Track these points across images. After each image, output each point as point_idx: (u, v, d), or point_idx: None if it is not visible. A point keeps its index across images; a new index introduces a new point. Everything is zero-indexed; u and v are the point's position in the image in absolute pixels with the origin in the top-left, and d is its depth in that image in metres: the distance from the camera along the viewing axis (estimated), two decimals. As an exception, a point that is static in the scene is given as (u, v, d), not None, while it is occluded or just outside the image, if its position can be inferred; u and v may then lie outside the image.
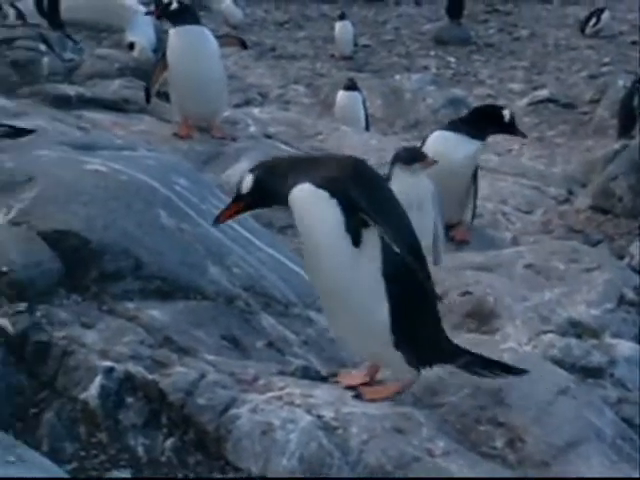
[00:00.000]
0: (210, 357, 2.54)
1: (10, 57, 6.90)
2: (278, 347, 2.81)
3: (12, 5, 14.70)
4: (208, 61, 5.63)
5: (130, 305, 2.68)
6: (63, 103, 6.18)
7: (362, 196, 2.24)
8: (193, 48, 5.56)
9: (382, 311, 2.30)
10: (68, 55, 7.33)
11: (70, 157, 3.10)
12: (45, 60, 6.99)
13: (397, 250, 2.22)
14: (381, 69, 14.28)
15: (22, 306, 2.59)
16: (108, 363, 2.43)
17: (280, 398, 2.36)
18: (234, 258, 3.00)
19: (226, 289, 2.87)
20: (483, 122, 4.96)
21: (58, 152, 3.14)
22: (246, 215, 3.53)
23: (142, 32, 10.24)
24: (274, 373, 2.55)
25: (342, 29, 14.77)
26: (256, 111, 8.77)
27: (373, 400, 2.40)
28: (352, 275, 2.28)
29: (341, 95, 10.14)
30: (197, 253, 2.91)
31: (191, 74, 5.58)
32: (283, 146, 6.10)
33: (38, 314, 2.58)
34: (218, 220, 2.49)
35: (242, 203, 2.45)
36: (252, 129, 6.43)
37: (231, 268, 2.96)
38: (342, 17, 15.12)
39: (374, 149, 7.83)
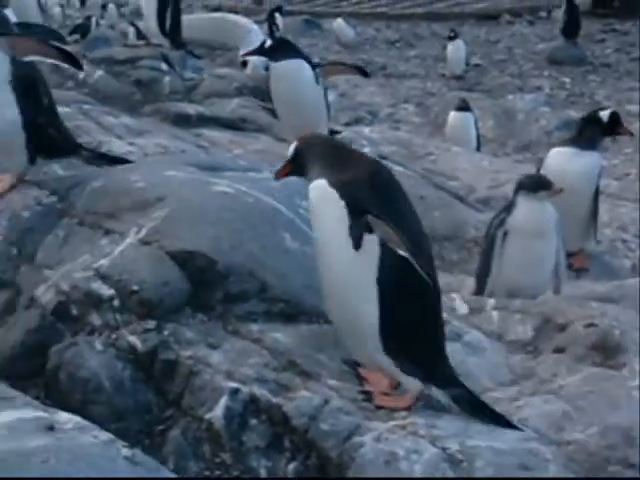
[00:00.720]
0: (333, 382, 2.54)
1: (134, 76, 7.14)
2: (399, 374, 2.79)
3: (132, 24, 15.21)
4: (304, 95, 5.80)
5: (254, 327, 2.70)
6: (183, 121, 6.35)
7: (374, 202, 2.34)
8: (289, 84, 5.74)
9: (373, 315, 2.37)
10: (188, 74, 7.52)
11: (198, 178, 3.16)
12: (166, 79, 7.20)
13: (406, 256, 2.25)
14: (493, 89, 14.13)
15: (151, 324, 2.65)
16: (233, 384, 2.45)
17: (404, 427, 2.34)
18: (356, 283, 3.00)
19: (348, 314, 2.86)
20: (588, 130, 4.96)
21: (186, 173, 3.21)
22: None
23: (255, 50, 10.40)
24: (396, 401, 2.53)
25: (454, 48, 14.71)
26: (367, 130, 8.79)
27: (381, 407, 2.43)
28: (347, 276, 2.39)
29: (453, 115, 10.07)
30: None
31: (289, 105, 5.78)
32: (398, 167, 6.08)
33: (166, 332, 2.64)
34: (276, 177, 2.71)
35: (289, 167, 2.62)
36: (367, 150, 6.45)
37: (353, 293, 2.95)
38: (454, 36, 15.06)
39: (486, 171, 7.74)
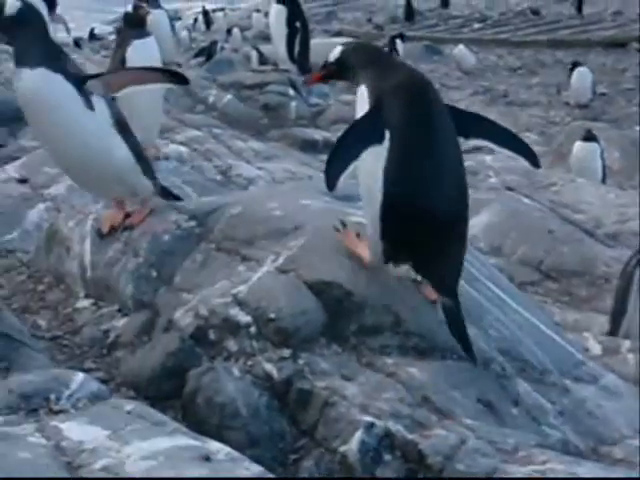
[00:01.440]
0: (468, 421, 2.50)
1: (261, 101, 7.29)
2: (533, 415, 2.73)
3: (255, 48, 15.53)
4: None
5: (388, 360, 2.69)
6: (309, 147, 6.43)
7: (396, 111, 2.61)
8: None
9: (376, 204, 2.64)
10: (314, 100, 7.62)
11: (333, 208, 3.18)
12: (293, 104, 7.32)
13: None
14: (619, 119, 13.76)
15: (286, 353, 2.67)
16: (368, 418, 2.44)
17: (543, 473, 2.27)
18: (490, 319, 2.95)
19: (482, 351, 2.82)
20: None
21: (322, 202, 3.23)
22: (500, 274, 3.50)
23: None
24: (533, 445, 2.47)
25: (580, 76, 14.40)
26: (488, 159, 8.69)
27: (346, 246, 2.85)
28: (365, 163, 2.64)
29: (579, 146, 9.85)
30: (454, 312, 2.88)
31: None
32: (525, 200, 5.99)
33: (301, 362, 2.65)
34: (307, 83, 3.22)
35: (324, 72, 2.92)
36: (492, 180, 6.38)
37: (487, 329, 2.91)
38: (579, 64, 14.75)
39: (613, 204, 7.52)
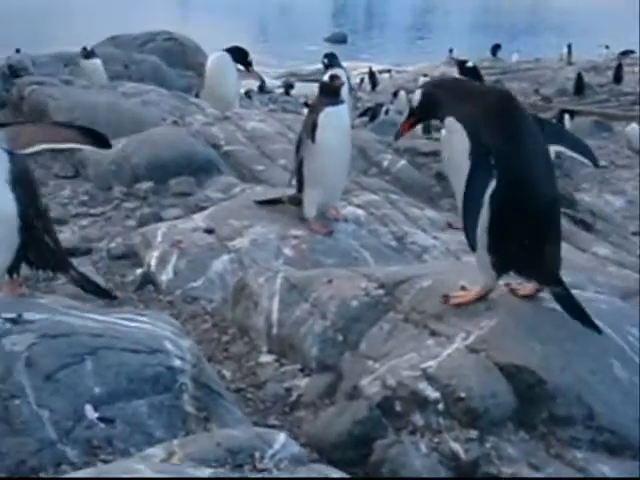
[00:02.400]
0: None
1: (435, 169, 7.32)
2: None
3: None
4: None
5: (578, 454, 2.63)
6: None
7: (491, 132, 2.78)
8: None
9: (485, 221, 2.82)
10: (487, 171, 7.59)
11: (525, 290, 3.16)
12: (467, 175, 7.30)
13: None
14: None
15: (474, 434, 2.66)
16: (558, 514, 2.39)
17: None
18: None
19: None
20: None
21: (514, 283, 3.21)
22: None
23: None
24: None
25: None
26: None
27: (459, 305, 3.01)
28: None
29: None
30: (651, 411, 2.79)
31: None
32: None
33: (488, 445, 2.63)
34: (398, 136, 3.27)
35: (413, 118, 3.12)
36: (671, 269, 6.14)
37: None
38: None
39: None
